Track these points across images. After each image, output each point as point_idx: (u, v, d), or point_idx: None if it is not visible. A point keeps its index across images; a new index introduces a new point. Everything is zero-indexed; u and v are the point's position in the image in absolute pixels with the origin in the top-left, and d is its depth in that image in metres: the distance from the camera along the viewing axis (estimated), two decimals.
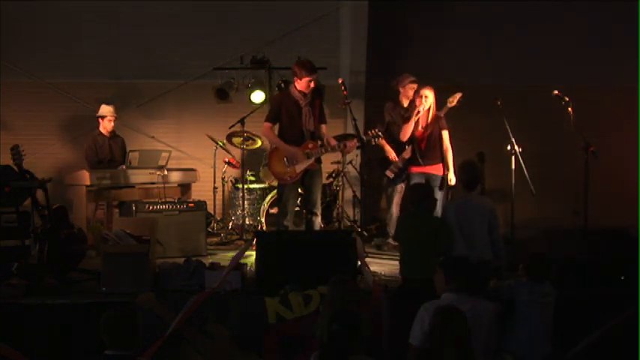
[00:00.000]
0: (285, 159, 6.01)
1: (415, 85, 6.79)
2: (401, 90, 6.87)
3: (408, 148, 6.64)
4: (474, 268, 4.12)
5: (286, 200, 6.05)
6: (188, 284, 4.94)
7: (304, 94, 6.02)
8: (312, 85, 5.98)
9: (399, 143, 6.69)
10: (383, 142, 6.71)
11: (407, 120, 6.56)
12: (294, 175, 5.99)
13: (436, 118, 6.53)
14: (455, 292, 3.91)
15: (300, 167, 5.98)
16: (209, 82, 8.25)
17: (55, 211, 5.36)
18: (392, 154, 6.74)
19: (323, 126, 6.16)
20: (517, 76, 8.70)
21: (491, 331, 3.93)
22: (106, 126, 7.41)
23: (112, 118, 7.41)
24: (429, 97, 6.47)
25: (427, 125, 6.55)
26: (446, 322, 3.40)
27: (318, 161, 6.14)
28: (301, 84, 5.98)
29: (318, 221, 6.14)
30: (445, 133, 6.57)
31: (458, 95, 6.57)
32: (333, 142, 6.08)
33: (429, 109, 6.52)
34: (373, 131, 6.17)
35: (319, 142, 6.06)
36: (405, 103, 6.86)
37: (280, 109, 6.04)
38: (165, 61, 8.35)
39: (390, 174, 6.76)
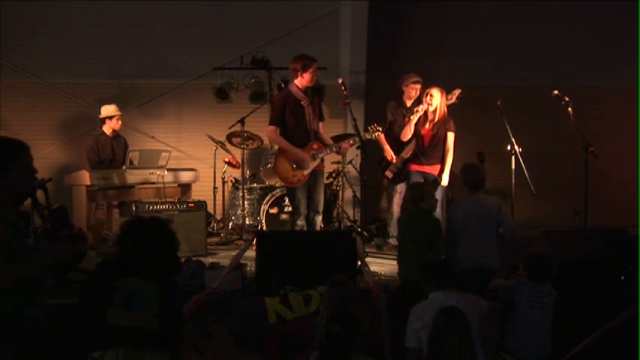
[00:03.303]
0: (292, 162, 5.99)
1: (418, 86, 6.78)
2: (404, 89, 6.87)
3: (407, 148, 6.63)
4: (451, 267, 4.18)
5: (299, 201, 6.02)
6: (188, 284, 4.94)
7: (306, 92, 5.96)
8: (317, 74, 5.94)
9: (399, 143, 6.68)
10: (383, 141, 6.71)
11: (408, 120, 6.56)
12: (302, 179, 5.96)
13: (445, 119, 6.52)
14: (441, 291, 3.92)
15: (308, 170, 5.96)
16: (209, 82, 8.25)
17: (55, 211, 5.36)
18: (390, 155, 6.74)
19: (320, 124, 6.14)
20: (517, 76, 8.70)
21: (483, 328, 3.91)
22: (114, 125, 7.42)
23: (119, 116, 7.42)
24: (434, 96, 6.44)
25: (434, 124, 6.53)
26: (449, 322, 3.41)
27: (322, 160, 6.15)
28: (307, 77, 5.89)
29: (319, 220, 6.15)
30: (450, 135, 6.53)
31: (457, 92, 6.57)
32: (331, 143, 6.08)
33: (435, 108, 6.50)
34: (373, 126, 6.18)
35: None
36: (408, 103, 6.85)
37: (284, 111, 5.95)
38: (166, 61, 8.35)
39: (389, 174, 6.77)
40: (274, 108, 6.17)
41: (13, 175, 3.06)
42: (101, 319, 3.05)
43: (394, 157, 6.73)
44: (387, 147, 6.76)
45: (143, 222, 3.33)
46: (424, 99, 6.48)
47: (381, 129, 6.19)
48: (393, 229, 6.88)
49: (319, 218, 6.13)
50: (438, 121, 6.50)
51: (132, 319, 3.06)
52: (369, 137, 6.21)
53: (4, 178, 3.03)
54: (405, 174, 6.73)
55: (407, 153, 6.64)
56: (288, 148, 5.97)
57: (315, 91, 6.08)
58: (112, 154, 7.38)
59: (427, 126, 6.55)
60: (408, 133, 6.53)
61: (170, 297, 3.20)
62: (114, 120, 7.40)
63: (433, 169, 6.51)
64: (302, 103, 5.96)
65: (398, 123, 6.74)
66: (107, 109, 7.44)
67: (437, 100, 6.46)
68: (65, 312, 4.68)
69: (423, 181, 6.28)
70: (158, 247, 3.19)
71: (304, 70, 5.88)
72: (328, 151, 6.02)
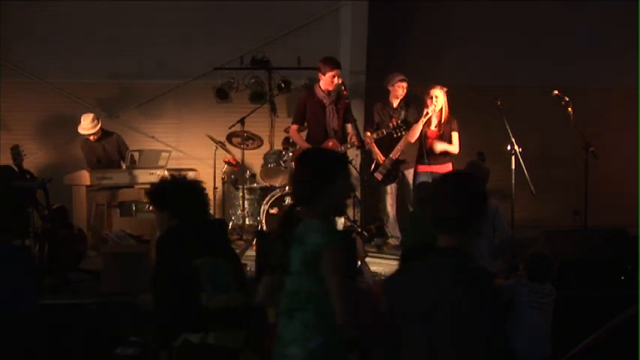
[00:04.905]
0: None
1: (405, 84, 6.78)
2: (390, 89, 6.87)
3: (395, 150, 6.60)
4: None
5: None
6: None
7: (328, 93, 6.11)
8: (335, 80, 6.05)
9: (388, 144, 6.67)
10: (372, 143, 6.72)
11: (415, 121, 6.55)
12: None
13: (449, 119, 6.53)
14: None
15: None
16: (209, 82, 8.25)
17: (55, 211, 5.36)
18: (380, 156, 6.73)
19: (348, 125, 6.22)
20: (517, 76, 8.69)
21: None
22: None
23: (90, 135, 7.25)
24: (439, 97, 6.46)
25: (440, 125, 6.54)
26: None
27: None
28: (325, 80, 6.10)
29: (341, 222, 6.17)
30: (455, 135, 6.55)
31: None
32: (357, 142, 6.09)
33: (441, 108, 6.51)
34: (396, 122, 6.22)
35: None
36: (395, 103, 6.84)
37: (305, 110, 6.21)
38: (166, 61, 8.34)
39: (378, 176, 6.74)
40: (297, 107, 6.42)
41: (337, 186, 2.79)
42: (191, 302, 3.02)
43: (384, 158, 6.71)
44: (375, 149, 6.74)
45: None
46: (428, 101, 6.47)
47: (404, 125, 6.25)
48: (392, 230, 6.88)
49: (340, 220, 6.16)
50: (444, 121, 6.52)
51: (222, 301, 3.07)
52: (389, 133, 6.28)
53: (330, 187, 2.77)
54: (394, 175, 6.73)
55: (395, 154, 6.63)
56: (302, 144, 6.20)
57: (339, 94, 6.19)
58: (104, 154, 7.34)
59: (434, 127, 6.55)
60: (415, 135, 6.52)
61: (236, 266, 3.21)
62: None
63: (442, 169, 6.51)
64: (323, 102, 6.14)
65: (385, 124, 6.71)
66: (81, 127, 7.22)
67: (442, 100, 6.47)
68: (65, 312, 4.71)
69: (430, 181, 6.28)
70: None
71: (323, 72, 6.13)
72: (343, 148, 6.07)
